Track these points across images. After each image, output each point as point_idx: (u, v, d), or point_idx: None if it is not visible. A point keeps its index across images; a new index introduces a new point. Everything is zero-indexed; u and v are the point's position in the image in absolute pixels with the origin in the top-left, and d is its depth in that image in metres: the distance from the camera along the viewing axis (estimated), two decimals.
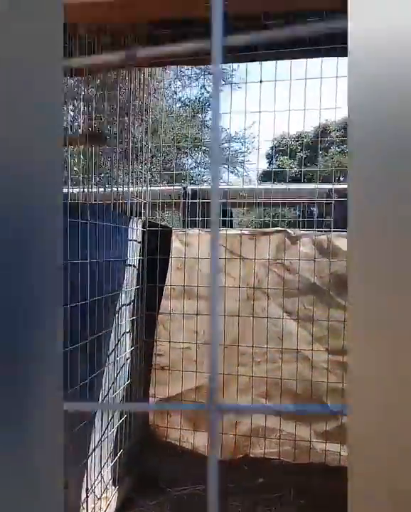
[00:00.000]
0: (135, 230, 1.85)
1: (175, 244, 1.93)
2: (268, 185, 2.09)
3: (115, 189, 1.78)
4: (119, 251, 1.71)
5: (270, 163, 10.37)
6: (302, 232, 1.80)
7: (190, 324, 1.89)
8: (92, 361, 1.49)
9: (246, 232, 1.85)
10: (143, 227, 1.93)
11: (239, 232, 1.85)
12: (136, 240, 1.86)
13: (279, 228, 1.83)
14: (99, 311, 1.52)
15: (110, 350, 1.66)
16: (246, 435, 1.83)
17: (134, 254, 1.85)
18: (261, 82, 1.76)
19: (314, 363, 1.78)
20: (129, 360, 1.82)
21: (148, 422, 1.96)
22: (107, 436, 1.61)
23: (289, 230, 1.80)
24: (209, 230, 1.96)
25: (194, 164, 9.28)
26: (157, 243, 1.91)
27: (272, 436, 1.80)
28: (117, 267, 1.69)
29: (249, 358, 1.82)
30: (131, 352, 1.82)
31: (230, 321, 1.82)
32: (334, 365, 1.76)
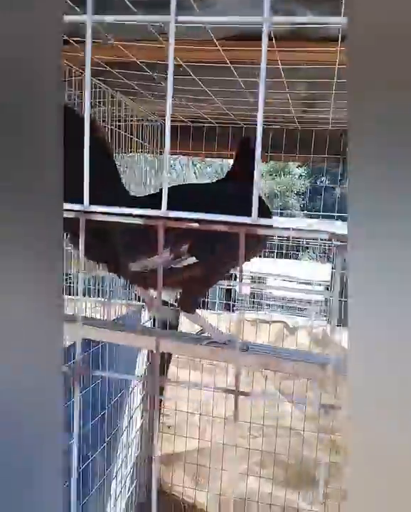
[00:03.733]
0: None
1: (184, 319, 2.10)
2: None
3: None
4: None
5: None
6: (301, 324, 1.96)
7: (194, 395, 2.08)
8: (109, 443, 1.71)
9: (248, 318, 2.01)
10: None
11: (241, 317, 2.01)
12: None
13: (279, 320, 1.99)
14: (117, 405, 1.72)
15: (124, 428, 1.88)
16: (242, 498, 2.06)
17: None
18: None
19: (305, 439, 1.97)
20: (139, 429, 2.04)
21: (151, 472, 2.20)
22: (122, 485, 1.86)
23: (288, 322, 1.96)
24: (219, 312, 2.12)
25: None
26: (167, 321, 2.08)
27: (265, 501, 2.03)
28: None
29: (247, 431, 2.02)
30: (142, 423, 2.04)
31: (231, 396, 2.01)
32: (323, 442, 1.95)
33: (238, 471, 2.05)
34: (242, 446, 2.03)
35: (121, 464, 1.86)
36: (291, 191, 11.65)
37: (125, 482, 1.91)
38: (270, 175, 10.72)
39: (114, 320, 1.69)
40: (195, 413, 2.08)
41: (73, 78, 1.34)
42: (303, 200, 11.15)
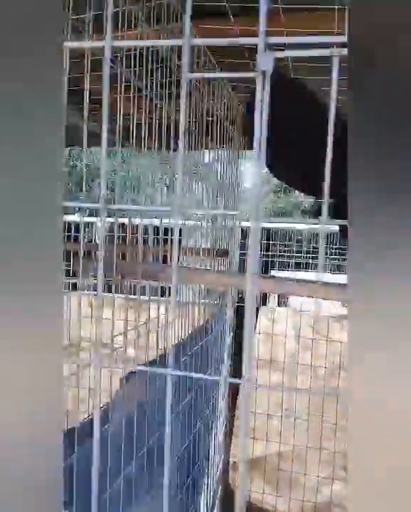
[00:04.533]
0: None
1: (263, 320, 2.06)
2: None
3: None
4: (220, 333, 1.85)
5: None
6: None
7: (273, 397, 2.03)
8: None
9: (333, 316, 1.98)
10: (232, 304, 2.06)
11: (327, 314, 1.98)
12: (230, 317, 2.00)
13: None
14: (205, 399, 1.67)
15: (210, 428, 1.81)
16: (327, 502, 1.98)
17: (228, 331, 1.99)
18: None
19: None
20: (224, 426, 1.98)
21: (228, 480, 2.12)
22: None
23: None
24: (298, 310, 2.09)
25: None
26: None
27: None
28: (219, 354, 1.83)
29: (332, 432, 1.96)
30: (225, 423, 1.98)
31: (314, 398, 1.96)
32: None
33: (322, 476, 1.98)
34: (327, 449, 1.97)
35: (210, 467, 1.79)
36: (298, 209, 11.80)
37: (212, 485, 1.84)
38: (275, 193, 10.93)
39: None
40: (274, 415, 2.02)
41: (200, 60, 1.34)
42: (308, 218, 11.29)
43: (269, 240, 3.68)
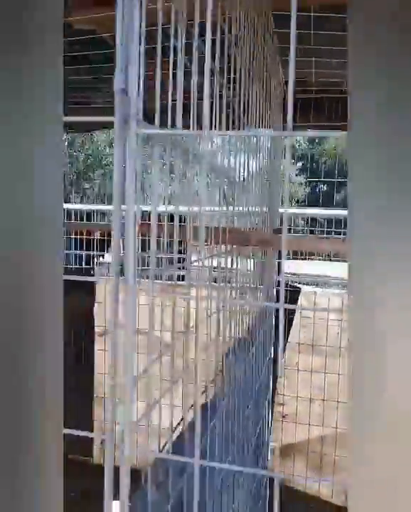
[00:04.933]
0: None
1: (303, 303, 2.03)
2: None
3: None
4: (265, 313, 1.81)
5: None
6: None
7: (315, 380, 2.01)
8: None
9: None
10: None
11: None
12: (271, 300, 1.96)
13: None
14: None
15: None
16: None
17: (271, 316, 1.95)
18: None
19: None
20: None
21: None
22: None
23: None
24: (339, 291, 2.06)
25: None
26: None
27: None
28: (265, 334, 1.79)
29: None
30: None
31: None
32: None
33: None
34: None
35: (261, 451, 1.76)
36: (292, 199, 11.80)
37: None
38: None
39: None
40: (316, 399, 2.00)
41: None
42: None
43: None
